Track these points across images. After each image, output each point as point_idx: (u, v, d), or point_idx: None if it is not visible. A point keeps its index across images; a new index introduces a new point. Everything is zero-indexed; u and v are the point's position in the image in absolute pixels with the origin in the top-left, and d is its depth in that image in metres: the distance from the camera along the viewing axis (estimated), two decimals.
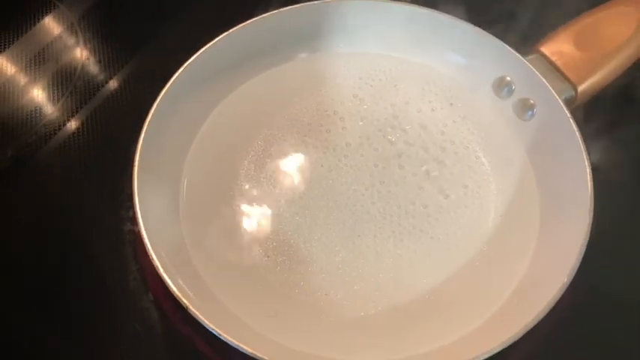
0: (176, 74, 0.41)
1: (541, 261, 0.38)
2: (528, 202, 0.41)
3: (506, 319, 0.36)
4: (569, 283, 0.35)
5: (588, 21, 0.43)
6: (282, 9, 0.44)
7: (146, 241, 0.35)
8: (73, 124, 0.46)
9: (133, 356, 0.38)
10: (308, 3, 0.45)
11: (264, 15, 0.44)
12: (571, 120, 0.40)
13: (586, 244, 0.35)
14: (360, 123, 0.45)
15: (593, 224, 0.37)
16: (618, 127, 0.46)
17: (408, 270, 0.39)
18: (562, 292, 0.34)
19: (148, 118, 0.39)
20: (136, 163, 0.38)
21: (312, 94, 0.46)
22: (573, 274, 0.35)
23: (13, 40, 0.50)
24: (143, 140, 0.39)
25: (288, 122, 0.45)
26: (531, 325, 0.33)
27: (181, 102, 0.42)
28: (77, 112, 0.47)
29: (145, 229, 0.36)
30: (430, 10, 0.45)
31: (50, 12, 0.52)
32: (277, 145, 0.44)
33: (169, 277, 0.34)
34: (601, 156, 0.42)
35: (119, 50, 0.50)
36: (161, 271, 0.34)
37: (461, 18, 0.44)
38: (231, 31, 0.43)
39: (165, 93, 0.40)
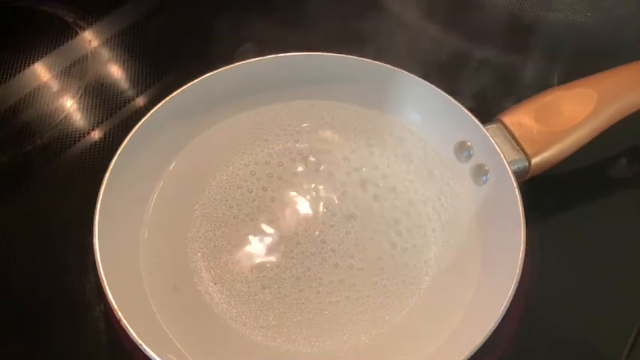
0: (132, 132, 0.43)
1: (470, 319, 0.40)
2: (470, 262, 0.43)
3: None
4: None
5: (551, 97, 0.45)
6: (247, 60, 0.47)
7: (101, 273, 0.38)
8: (92, 136, 0.50)
9: None
10: (275, 55, 0.47)
11: (230, 66, 0.46)
12: (516, 190, 0.41)
13: (502, 316, 0.37)
14: (320, 174, 0.47)
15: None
16: (564, 206, 0.48)
17: (349, 318, 0.41)
18: None
19: (111, 165, 0.41)
20: (98, 208, 0.40)
21: (277, 140, 0.49)
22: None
23: (49, 50, 0.56)
24: (106, 185, 0.41)
25: (249, 169, 0.47)
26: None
27: (145, 146, 0.44)
28: (98, 125, 0.51)
29: (102, 263, 0.38)
30: (401, 70, 0.47)
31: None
32: (237, 192, 0.46)
33: (122, 314, 0.36)
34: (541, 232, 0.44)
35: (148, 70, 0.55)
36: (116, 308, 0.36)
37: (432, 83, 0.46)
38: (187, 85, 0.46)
39: (126, 144, 0.42)
